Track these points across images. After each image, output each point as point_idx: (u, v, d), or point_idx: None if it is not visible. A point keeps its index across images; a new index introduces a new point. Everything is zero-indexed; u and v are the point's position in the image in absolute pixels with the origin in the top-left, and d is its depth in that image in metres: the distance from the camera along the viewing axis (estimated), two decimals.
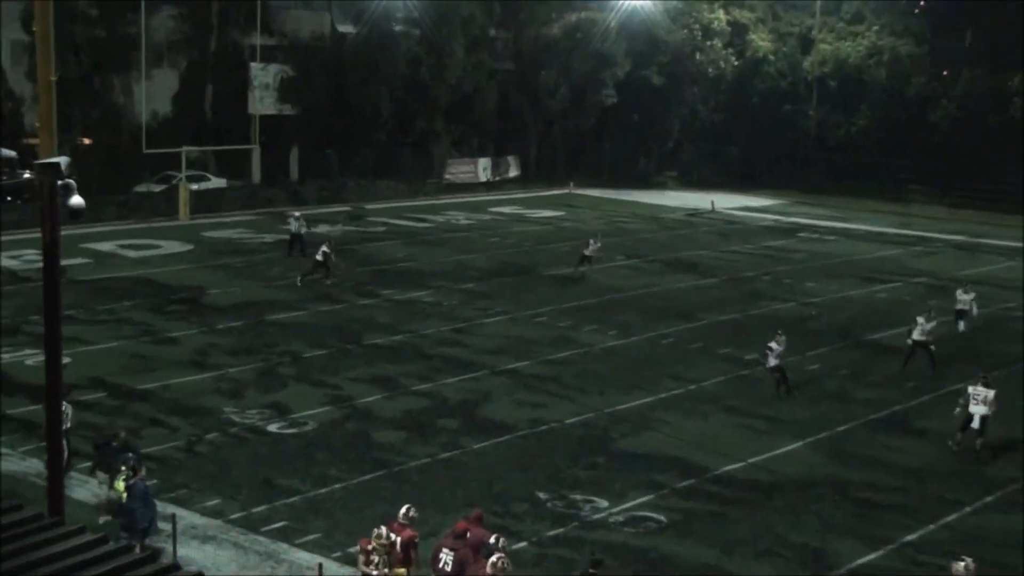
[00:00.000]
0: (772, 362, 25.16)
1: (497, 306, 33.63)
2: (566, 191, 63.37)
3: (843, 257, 45.04)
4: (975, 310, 32.13)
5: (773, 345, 25.26)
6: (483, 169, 63.74)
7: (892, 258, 45.72)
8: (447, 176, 61.84)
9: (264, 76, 55.68)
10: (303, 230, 39.96)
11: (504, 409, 24.01)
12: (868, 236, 51.65)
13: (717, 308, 34.53)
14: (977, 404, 21.96)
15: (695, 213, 57.42)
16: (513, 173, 65.74)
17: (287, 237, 40.48)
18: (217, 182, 53.78)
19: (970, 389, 22.28)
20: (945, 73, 64.17)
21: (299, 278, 35.24)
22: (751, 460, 21.35)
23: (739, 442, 22.47)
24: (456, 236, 46.59)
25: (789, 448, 22.34)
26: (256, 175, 56.88)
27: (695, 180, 68.95)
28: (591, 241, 38.94)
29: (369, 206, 54.25)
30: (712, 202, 59.35)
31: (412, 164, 60.19)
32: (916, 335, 27.92)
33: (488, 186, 63.18)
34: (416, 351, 28.36)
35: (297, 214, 41.26)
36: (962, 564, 13.59)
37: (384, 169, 58.68)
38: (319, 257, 35.46)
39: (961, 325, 31.87)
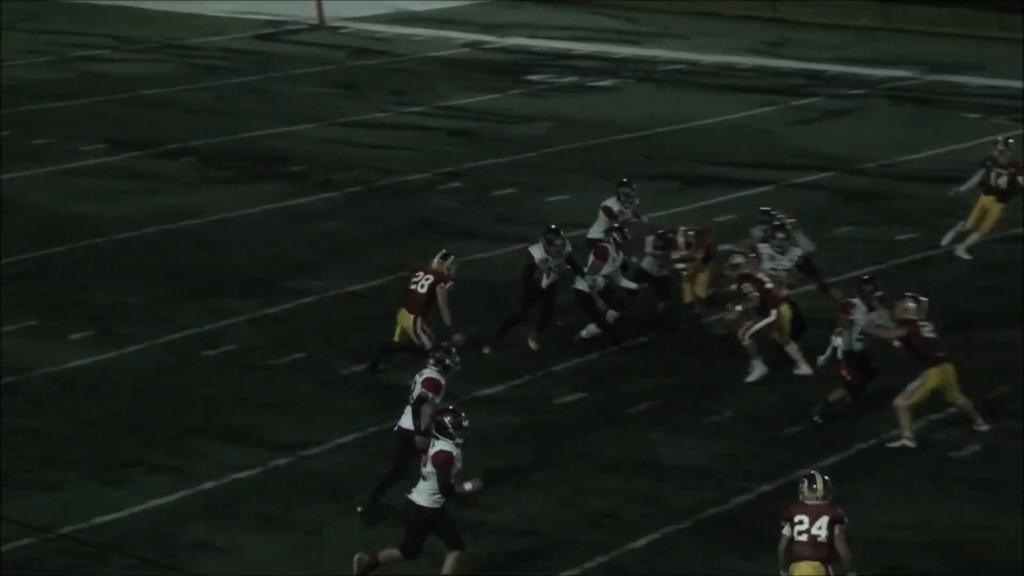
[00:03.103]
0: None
1: None
2: None
3: (633, 130, 47.79)
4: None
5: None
6: None
7: (751, 125, 49.00)
8: None
9: None
10: None
11: None
12: (694, 74, 55.17)
13: (334, 260, 36.06)
14: None
15: (278, 32, 59.63)
16: None
17: None
18: None
19: None
20: None
21: None
22: None
23: None
24: None
25: None
26: None
27: None
28: None
29: None
30: (318, 3, 61.72)
31: None
32: None
33: None
34: None
35: None
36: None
37: None
38: None
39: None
